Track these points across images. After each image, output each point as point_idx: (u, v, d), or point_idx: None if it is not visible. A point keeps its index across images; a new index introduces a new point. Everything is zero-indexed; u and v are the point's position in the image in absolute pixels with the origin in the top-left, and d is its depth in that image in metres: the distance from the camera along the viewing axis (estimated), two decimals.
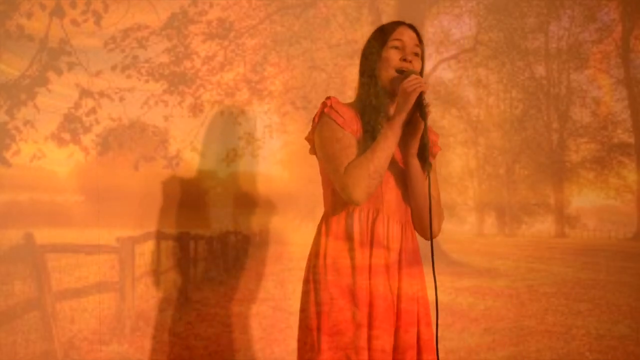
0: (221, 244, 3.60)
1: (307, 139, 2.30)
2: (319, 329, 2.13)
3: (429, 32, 3.95)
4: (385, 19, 3.80)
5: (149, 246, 3.46)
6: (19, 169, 3.36)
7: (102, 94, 3.49)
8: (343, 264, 2.16)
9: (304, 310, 2.20)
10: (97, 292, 3.39)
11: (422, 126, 2.11)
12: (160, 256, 3.51)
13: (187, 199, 3.53)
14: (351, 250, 2.16)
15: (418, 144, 2.16)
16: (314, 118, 2.23)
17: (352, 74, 3.76)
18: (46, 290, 3.30)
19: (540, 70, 4.10)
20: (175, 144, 3.58)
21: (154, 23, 3.56)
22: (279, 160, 3.72)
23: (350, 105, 2.22)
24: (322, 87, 3.76)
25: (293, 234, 3.66)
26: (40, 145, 3.40)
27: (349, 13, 3.81)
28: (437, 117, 3.80)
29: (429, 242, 2.17)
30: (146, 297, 3.45)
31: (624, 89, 4.07)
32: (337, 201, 2.19)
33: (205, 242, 3.57)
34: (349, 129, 2.14)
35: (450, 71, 3.99)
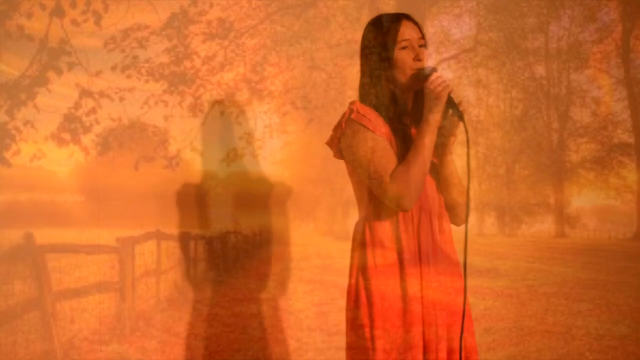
0: (221, 244, 3.59)
1: (330, 144, 2.27)
2: (371, 327, 2.12)
3: (429, 32, 3.95)
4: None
5: (149, 246, 3.46)
6: (19, 169, 3.36)
7: (102, 94, 3.49)
8: (390, 269, 2.15)
9: (354, 300, 2.18)
10: (97, 292, 3.38)
11: (458, 125, 2.13)
12: (160, 256, 3.51)
13: (187, 199, 3.53)
14: (398, 252, 2.15)
15: (454, 142, 2.17)
16: (339, 123, 2.19)
17: (352, 73, 3.76)
18: (46, 290, 3.30)
19: (540, 70, 4.10)
20: (175, 144, 3.58)
21: (154, 23, 3.56)
22: (279, 160, 3.72)
23: (370, 107, 2.20)
24: (322, 87, 3.76)
25: (293, 234, 3.66)
26: (40, 145, 3.40)
27: (349, 13, 3.81)
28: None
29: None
30: (146, 297, 3.44)
31: (624, 89, 4.07)
32: (377, 205, 2.18)
33: (205, 242, 3.57)
34: (378, 131, 2.13)
35: (450, 71, 3.99)
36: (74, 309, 3.35)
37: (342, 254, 3.73)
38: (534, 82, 4.10)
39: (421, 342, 2.12)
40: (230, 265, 3.60)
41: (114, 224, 3.42)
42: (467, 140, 2.14)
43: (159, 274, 3.50)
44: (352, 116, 2.14)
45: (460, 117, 2.09)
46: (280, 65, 3.74)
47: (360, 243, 2.22)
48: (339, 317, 3.61)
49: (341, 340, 3.56)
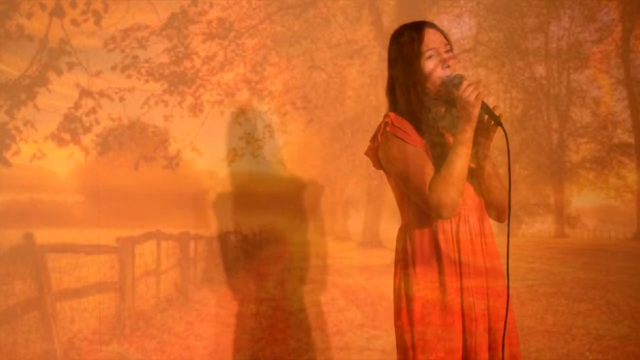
0: (221, 244, 3.59)
1: (368, 154, 2.27)
2: (413, 347, 2.14)
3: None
4: (385, 19, 3.81)
5: (149, 246, 3.46)
6: (19, 169, 3.36)
7: (102, 94, 3.49)
8: (431, 280, 2.16)
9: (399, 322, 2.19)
10: (97, 292, 3.38)
11: (494, 130, 2.16)
12: (160, 256, 3.51)
13: (187, 199, 3.53)
14: (439, 263, 2.16)
15: (489, 147, 2.17)
16: (375, 136, 2.20)
17: (352, 74, 3.76)
18: (46, 290, 3.30)
19: (540, 70, 4.10)
20: (175, 144, 3.58)
21: (154, 23, 3.56)
22: (279, 160, 3.72)
23: (403, 118, 2.20)
24: (322, 87, 3.76)
25: (293, 234, 3.66)
26: (40, 145, 3.40)
27: (349, 13, 3.81)
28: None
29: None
30: (146, 297, 3.45)
31: (624, 89, 4.07)
32: (416, 213, 2.19)
33: (205, 242, 3.57)
34: (414, 142, 2.14)
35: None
36: (74, 309, 3.35)
37: (342, 254, 3.73)
38: (534, 82, 4.10)
39: (460, 352, 2.12)
40: (230, 265, 3.60)
41: (114, 224, 3.42)
42: (507, 144, 2.14)
43: (159, 274, 3.50)
44: (388, 129, 2.15)
45: (499, 123, 2.10)
46: (280, 65, 3.74)
47: (402, 251, 2.22)
48: (339, 317, 3.61)
49: (341, 340, 3.56)
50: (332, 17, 3.79)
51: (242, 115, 3.66)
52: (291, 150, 3.71)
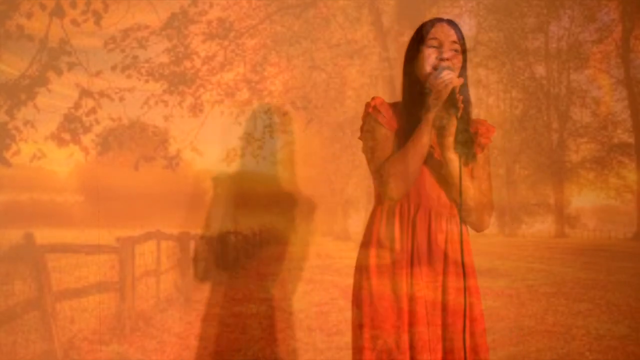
0: (221, 244, 3.59)
1: (360, 138, 2.33)
2: (361, 326, 2.15)
3: None
4: (385, 19, 3.81)
5: (149, 246, 3.46)
6: (19, 169, 3.36)
7: (102, 94, 3.49)
8: (385, 257, 2.17)
9: (355, 300, 2.22)
10: (97, 292, 3.39)
11: (454, 121, 2.13)
12: (160, 256, 3.51)
13: (187, 199, 3.53)
14: (392, 246, 2.17)
15: (452, 138, 2.16)
16: (362, 118, 2.28)
17: (352, 73, 3.76)
18: (46, 290, 3.30)
19: (540, 70, 4.10)
20: (175, 144, 3.58)
21: (154, 23, 3.56)
22: (279, 160, 3.72)
23: (395, 104, 2.24)
24: (322, 87, 3.76)
25: (293, 234, 3.66)
26: (40, 145, 3.40)
27: (349, 13, 3.81)
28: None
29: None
30: (146, 297, 3.45)
31: (624, 89, 4.07)
32: (378, 202, 2.24)
33: (205, 242, 3.57)
34: (389, 126, 2.19)
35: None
36: (74, 309, 3.35)
37: (342, 254, 3.73)
38: (534, 82, 4.10)
39: (407, 343, 2.12)
40: (230, 265, 3.60)
41: (114, 224, 3.42)
42: (461, 139, 2.14)
43: (159, 274, 3.50)
44: (369, 110, 2.22)
45: (455, 115, 2.09)
46: (280, 65, 3.74)
47: (363, 241, 2.25)
48: (339, 317, 3.61)
49: (341, 340, 3.56)
50: (332, 17, 3.79)
51: (242, 115, 3.66)
52: (291, 150, 3.71)
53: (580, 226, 4.11)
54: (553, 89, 4.12)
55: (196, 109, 3.60)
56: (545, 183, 4.09)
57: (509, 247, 4.00)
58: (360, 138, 2.31)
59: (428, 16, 3.93)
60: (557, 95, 4.12)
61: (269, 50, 3.72)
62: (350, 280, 2.23)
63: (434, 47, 2.19)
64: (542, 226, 4.09)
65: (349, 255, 3.78)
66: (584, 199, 4.10)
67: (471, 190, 2.25)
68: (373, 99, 2.23)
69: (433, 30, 2.20)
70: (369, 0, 3.82)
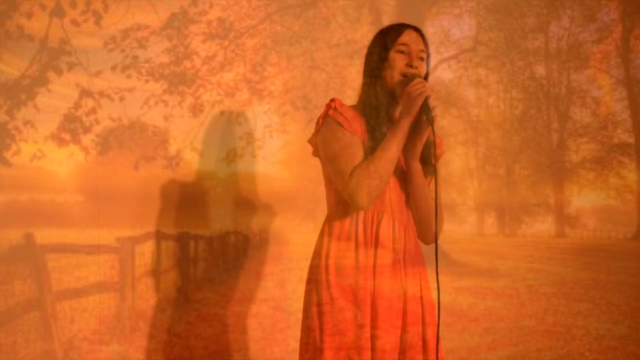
0: (221, 244, 3.60)
1: (310, 141, 2.27)
2: (320, 329, 2.12)
3: (429, 32, 3.95)
4: (385, 19, 3.81)
5: (149, 246, 3.46)
6: (19, 169, 3.36)
7: (102, 94, 3.49)
8: (346, 264, 2.15)
9: (305, 309, 2.20)
10: (97, 292, 3.39)
11: (428, 130, 2.11)
12: (160, 256, 3.51)
13: (187, 199, 3.53)
14: (355, 250, 2.15)
15: (421, 147, 2.15)
16: (317, 120, 2.21)
17: (352, 73, 3.76)
18: (46, 290, 3.30)
19: (540, 70, 4.10)
20: (175, 144, 3.58)
21: (154, 23, 3.56)
22: (279, 160, 3.72)
23: (354, 107, 2.21)
24: (322, 87, 3.76)
25: (293, 234, 3.66)
26: (40, 145, 3.40)
27: (349, 13, 3.81)
28: (437, 117, 3.80)
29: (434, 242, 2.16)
30: (146, 297, 3.45)
31: (624, 89, 4.07)
32: (340, 203, 2.18)
33: (205, 242, 3.57)
34: (352, 130, 2.13)
35: (450, 71, 3.99)
36: (74, 309, 3.35)
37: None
38: (534, 82, 4.10)
39: (369, 342, 2.11)
40: (230, 265, 3.60)
41: (114, 224, 3.42)
42: (434, 149, 2.12)
43: (159, 274, 3.50)
44: (330, 112, 2.15)
45: (430, 122, 2.08)
46: (280, 65, 3.74)
47: (319, 244, 2.21)
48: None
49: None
50: (332, 17, 3.79)
51: (242, 115, 3.66)
52: (291, 150, 3.71)
53: (580, 226, 4.11)
54: (553, 89, 4.12)
55: (196, 109, 3.60)
56: (545, 183, 4.09)
57: (509, 247, 4.00)
58: (310, 141, 2.25)
59: (428, 16, 3.93)
60: (557, 95, 4.12)
61: (269, 50, 3.73)
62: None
63: (402, 52, 2.18)
64: (542, 226, 4.09)
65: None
66: (584, 199, 4.10)
67: (430, 201, 2.22)
68: (332, 100, 2.18)
69: (403, 37, 2.19)
70: (369, 0, 3.82)
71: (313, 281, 2.19)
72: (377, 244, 2.14)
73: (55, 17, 3.43)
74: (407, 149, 2.15)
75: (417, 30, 2.23)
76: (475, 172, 3.97)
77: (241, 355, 3.49)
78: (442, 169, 3.72)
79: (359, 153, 2.11)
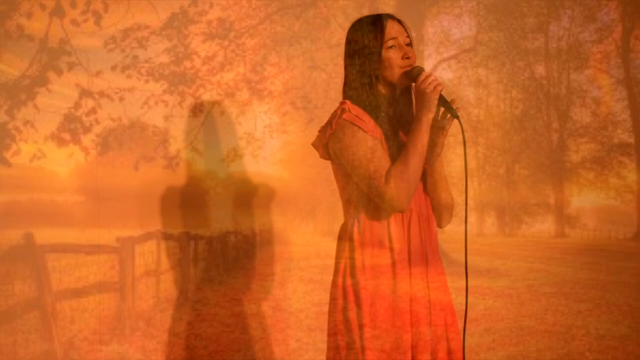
0: (221, 244, 3.59)
1: (315, 145, 2.23)
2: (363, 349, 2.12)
3: (429, 32, 3.95)
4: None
5: (149, 246, 3.46)
6: (19, 169, 3.36)
7: (102, 94, 3.49)
8: (382, 272, 2.14)
9: (335, 328, 2.18)
10: (97, 292, 3.39)
11: (449, 124, 2.11)
12: (160, 256, 3.51)
13: (187, 199, 3.53)
14: (391, 256, 2.14)
15: (444, 141, 2.15)
16: (329, 123, 2.16)
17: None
18: (46, 290, 3.30)
19: (540, 70, 4.10)
20: (175, 144, 3.58)
21: (154, 23, 3.56)
22: (279, 160, 3.72)
23: (360, 108, 2.19)
24: (322, 87, 3.76)
25: (293, 234, 3.66)
26: (40, 145, 3.40)
27: (349, 13, 3.81)
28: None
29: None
30: (146, 297, 3.45)
31: (624, 89, 4.07)
32: (368, 206, 2.16)
33: (205, 242, 3.57)
34: (371, 132, 2.10)
35: (450, 71, 3.99)
36: (74, 309, 3.35)
37: None
38: (534, 82, 4.10)
39: (410, 343, 2.11)
40: (230, 265, 3.60)
41: (114, 224, 3.42)
42: (463, 139, 2.12)
43: (159, 274, 3.50)
44: (344, 116, 2.11)
45: (456, 116, 2.07)
46: (280, 65, 3.74)
47: (349, 244, 2.19)
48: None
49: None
50: (332, 17, 3.79)
51: (242, 115, 3.66)
52: (291, 150, 3.71)
53: (580, 226, 4.11)
54: (553, 89, 4.12)
55: (196, 109, 3.60)
56: (545, 183, 4.09)
57: (509, 247, 4.00)
58: (315, 144, 2.20)
59: (428, 16, 3.93)
60: (557, 95, 4.12)
61: (269, 50, 3.72)
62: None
63: (393, 47, 2.17)
64: (542, 226, 4.09)
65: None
66: (584, 199, 4.10)
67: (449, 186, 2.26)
68: (344, 102, 2.15)
69: (388, 31, 2.17)
70: (369, 1, 3.82)
71: (351, 289, 2.17)
72: (409, 245, 2.14)
73: (55, 17, 3.43)
74: (429, 149, 2.15)
75: (393, 17, 2.22)
76: (475, 172, 3.97)
77: (241, 355, 3.49)
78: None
79: (384, 155, 2.09)
